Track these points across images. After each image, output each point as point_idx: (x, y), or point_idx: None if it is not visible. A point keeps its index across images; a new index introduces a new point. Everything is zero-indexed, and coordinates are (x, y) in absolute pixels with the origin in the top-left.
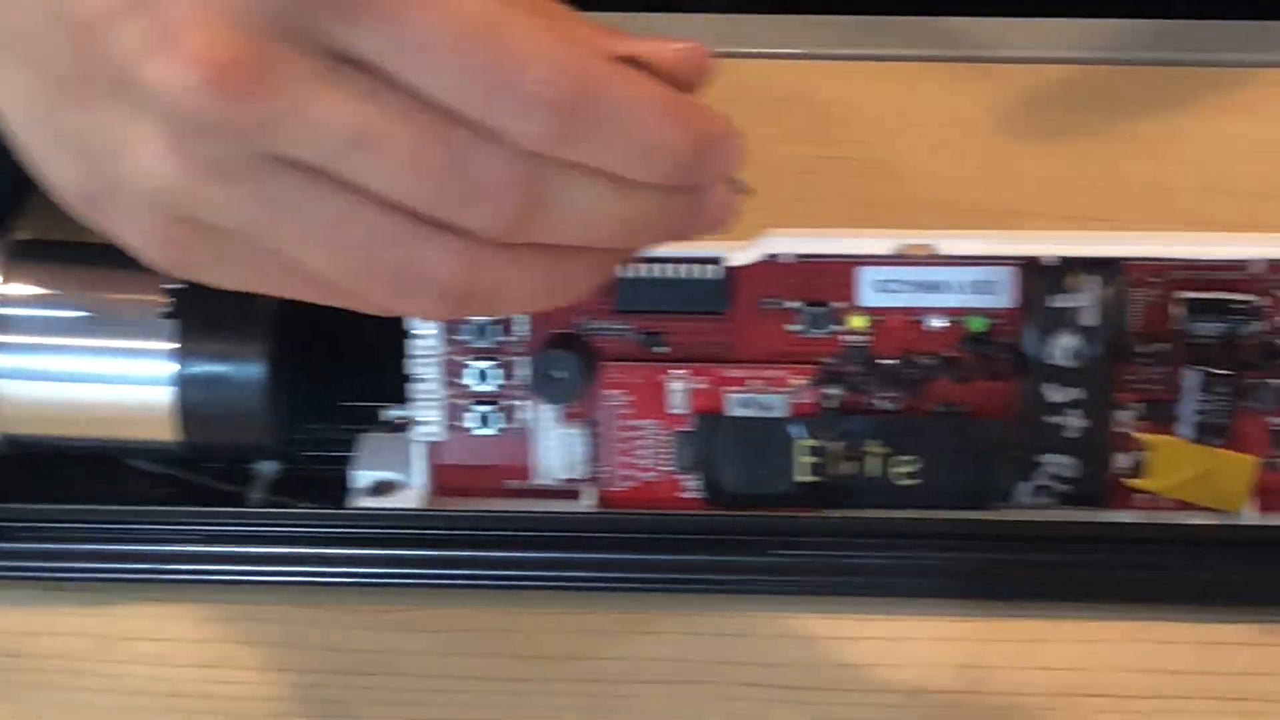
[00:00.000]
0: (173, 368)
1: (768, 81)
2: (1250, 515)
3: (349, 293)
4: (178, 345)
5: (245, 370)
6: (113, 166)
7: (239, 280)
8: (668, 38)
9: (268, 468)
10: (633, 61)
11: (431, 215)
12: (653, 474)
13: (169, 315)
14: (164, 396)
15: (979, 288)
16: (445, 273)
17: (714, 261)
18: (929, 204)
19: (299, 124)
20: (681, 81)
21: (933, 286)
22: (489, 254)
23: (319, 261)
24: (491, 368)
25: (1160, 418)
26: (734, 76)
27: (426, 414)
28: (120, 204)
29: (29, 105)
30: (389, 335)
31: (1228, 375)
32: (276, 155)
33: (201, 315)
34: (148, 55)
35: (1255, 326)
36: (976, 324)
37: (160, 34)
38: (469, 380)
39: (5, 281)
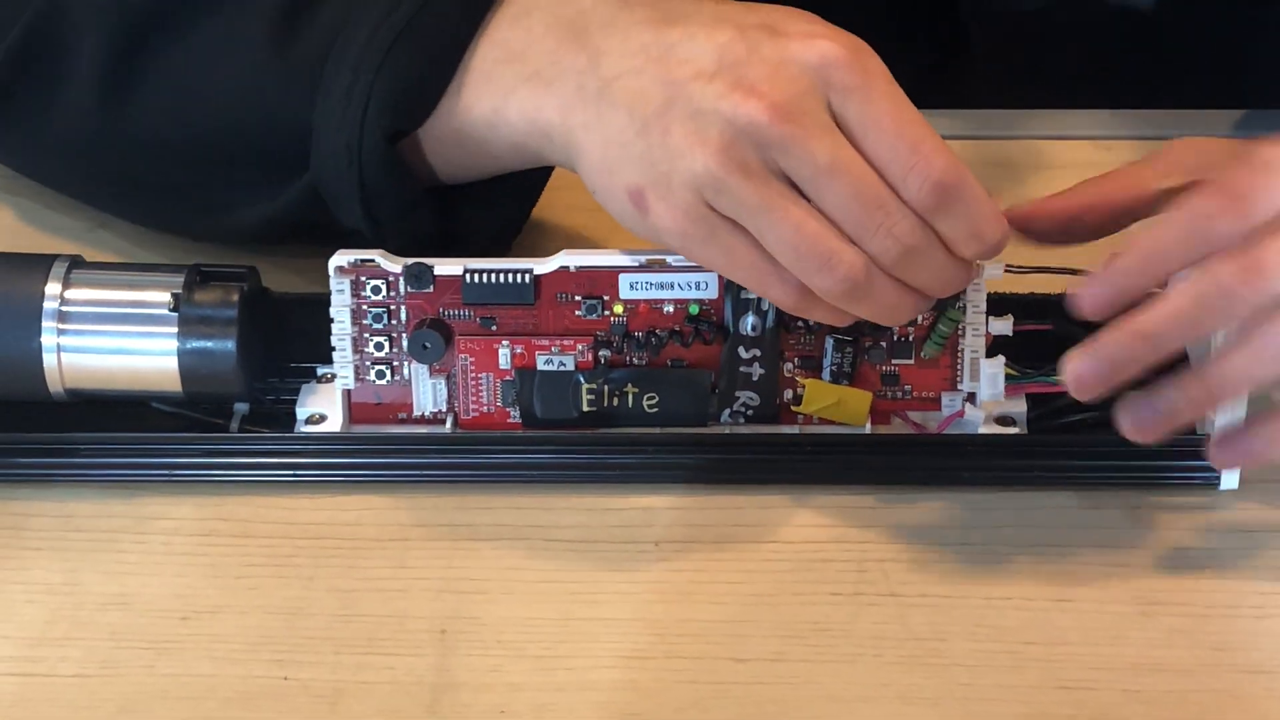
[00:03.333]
0: (176, 344)
1: None
2: (867, 427)
3: (781, 274)
4: (179, 330)
5: (222, 346)
6: (668, 166)
7: (717, 253)
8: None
9: (241, 407)
10: None
11: (855, 233)
12: (490, 407)
13: (173, 310)
14: (172, 363)
15: (695, 285)
16: (849, 266)
17: (527, 270)
18: None
19: (803, 147)
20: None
21: (666, 285)
22: (876, 271)
23: (778, 242)
24: (385, 340)
25: (810, 367)
26: None
27: (344, 371)
28: (662, 191)
29: (615, 134)
30: (320, 323)
31: (851, 340)
32: (780, 170)
33: (193, 311)
34: (727, 96)
35: None
36: (694, 309)
37: (741, 86)
38: (371, 349)
39: (64, 289)
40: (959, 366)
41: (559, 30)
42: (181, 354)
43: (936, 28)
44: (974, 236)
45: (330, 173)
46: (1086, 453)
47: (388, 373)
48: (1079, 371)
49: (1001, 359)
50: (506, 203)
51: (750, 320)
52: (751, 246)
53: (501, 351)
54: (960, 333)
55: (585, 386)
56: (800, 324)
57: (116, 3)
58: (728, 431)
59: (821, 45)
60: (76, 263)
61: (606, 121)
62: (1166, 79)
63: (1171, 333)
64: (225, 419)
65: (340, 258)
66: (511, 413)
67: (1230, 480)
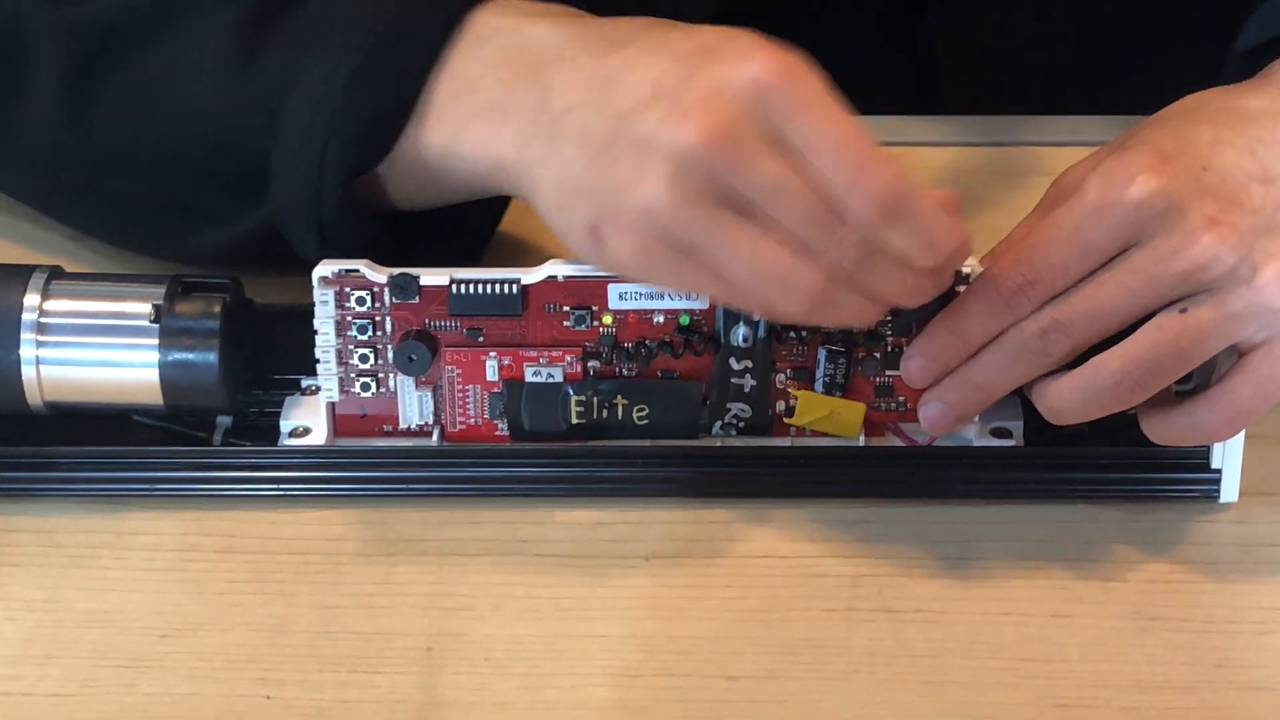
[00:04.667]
0: (157, 356)
1: None
2: (861, 440)
3: (745, 292)
4: (160, 342)
5: (204, 358)
6: (618, 200)
7: (678, 281)
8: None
9: (224, 420)
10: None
11: (808, 246)
12: (477, 420)
13: (154, 322)
14: (153, 375)
15: (685, 295)
16: (808, 287)
17: (515, 281)
18: None
19: (748, 170)
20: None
21: (656, 295)
22: (836, 285)
23: (735, 270)
24: (370, 352)
25: (803, 378)
26: None
27: (328, 384)
28: (616, 226)
29: (567, 169)
30: (304, 334)
31: (844, 351)
32: (728, 196)
33: (174, 323)
34: (666, 123)
35: None
36: (684, 320)
37: (677, 112)
38: (356, 361)
39: (43, 300)
40: None
41: (513, 61)
42: (163, 366)
43: (916, 41)
44: (928, 247)
45: (288, 210)
46: (1083, 465)
47: (373, 385)
48: (929, 413)
49: None
50: (465, 235)
51: (741, 331)
52: (713, 273)
53: (489, 363)
54: None
55: (574, 398)
56: (792, 335)
57: (81, 13)
58: (719, 444)
59: (754, 67)
60: (56, 273)
61: (559, 158)
62: (1165, 82)
63: (998, 382)
64: (208, 432)
65: (324, 268)
66: (499, 425)
67: (1230, 493)
